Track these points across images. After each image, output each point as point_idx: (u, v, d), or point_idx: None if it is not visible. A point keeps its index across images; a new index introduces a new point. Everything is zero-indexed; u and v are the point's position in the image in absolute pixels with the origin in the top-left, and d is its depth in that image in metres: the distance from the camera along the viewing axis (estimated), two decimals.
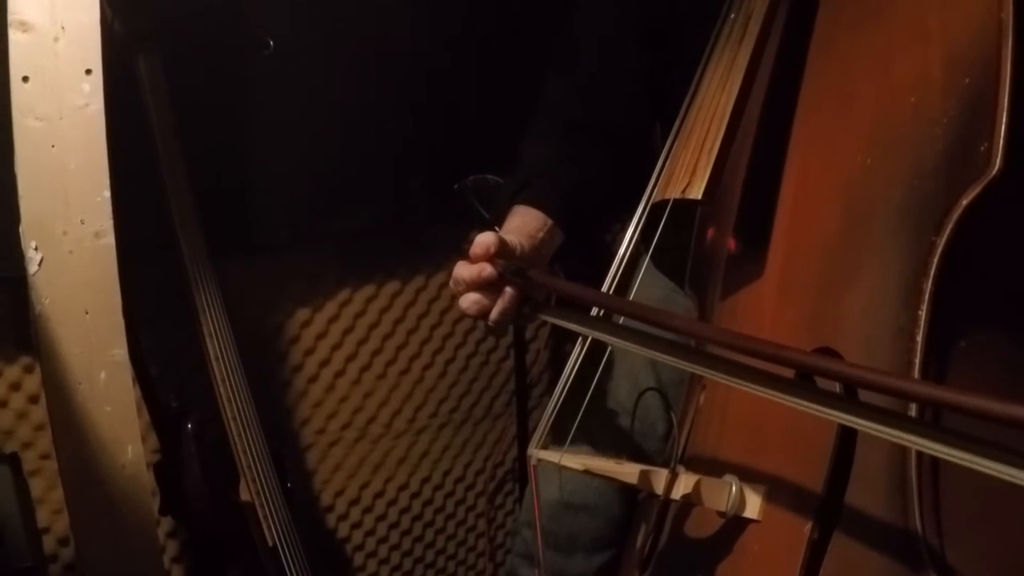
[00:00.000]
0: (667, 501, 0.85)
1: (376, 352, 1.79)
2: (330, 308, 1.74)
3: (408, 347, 1.83)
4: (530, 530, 1.29)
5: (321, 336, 1.74)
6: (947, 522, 0.66)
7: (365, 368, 1.79)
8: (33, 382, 1.46)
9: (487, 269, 0.98)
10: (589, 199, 1.18)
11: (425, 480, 1.90)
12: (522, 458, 1.90)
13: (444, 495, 1.93)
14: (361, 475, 1.82)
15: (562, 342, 1.95)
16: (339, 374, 1.77)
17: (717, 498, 0.80)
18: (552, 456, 0.91)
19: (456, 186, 1.68)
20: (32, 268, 1.01)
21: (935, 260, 0.68)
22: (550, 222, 1.14)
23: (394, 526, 1.88)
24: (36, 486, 1.45)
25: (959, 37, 0.71)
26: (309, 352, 1.73)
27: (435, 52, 1.69)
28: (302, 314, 1.71)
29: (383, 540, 1.87)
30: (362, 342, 1.78)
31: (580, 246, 1.19)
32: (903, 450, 0.67)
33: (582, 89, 1.22)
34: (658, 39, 1.18)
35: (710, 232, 0.96)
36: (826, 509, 0.72)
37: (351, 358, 1.77)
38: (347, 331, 1.76)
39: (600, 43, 1.22)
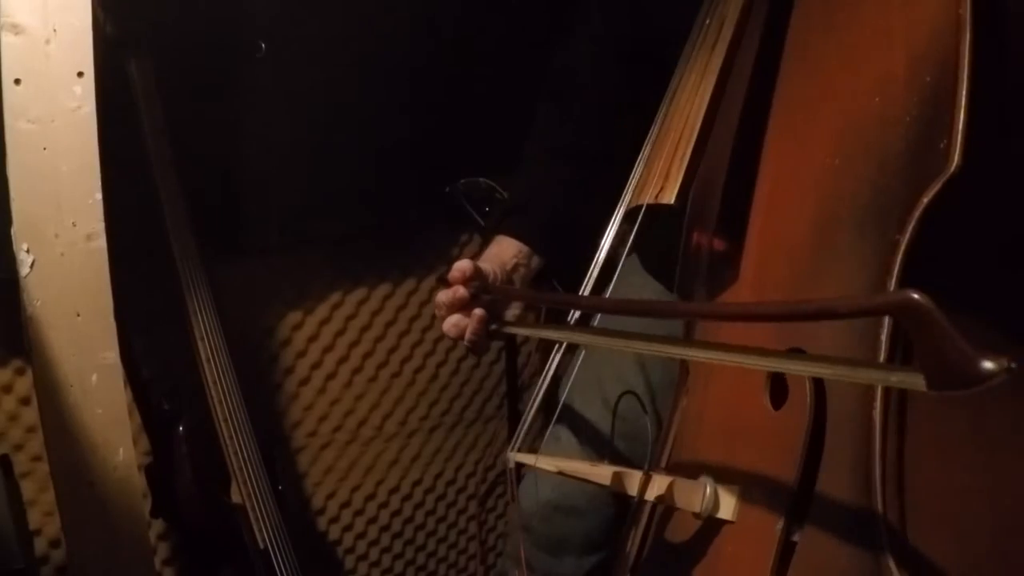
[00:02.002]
0: (646, 504, 0.86)
1: (367, 355, 1.80)
2: (321, 311, 1.74)
3: (399, 350, 1.83)
4: (521, 532, 1.30)
5: (312, 338, 1.74)
6: (910, 519, 0.67)
7: (356, 371, 1.79)
8: (24, 384, 1.45)
9: (460, 291, 1.08)
10: (573, 222, 1.26)
11: (416, 483, 1.90)
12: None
13: (435, 498, 1.93)
14: (352, 478, 1.82)
15: (553, 345, 1.95)
16: (330, 376, 1.77)
17: (691, 499, 0.80)
18: (528, 459, 0.95)
19: (448, 189, 1.69)
20: (24, 270, 1.01)
21: (898, 259, 0.68)
22: (525, 249, 1.23)
23: (385, 528, 1.88)
24: (27, 488, 1.45)
25: (920, 35, 0.72)
26: (300, 354, 1.73)
27: (427, 55, 1.69)
28: (293, 316, 1.71)
29: (374, 542, 1.88)
30: (353, 344, 1.78)
31: (578, 259, 1.22)
32: (868, 447, 0.68)
33: (571, 116, 1.28)
34: (642, 56, 1.19)
35: (695, 235, 0.97)
36: (795, 509, 0.72)
37: (342, 360, 1.77)
38: (338, 333, 1.76)
39: (591, 66, 1.27)
